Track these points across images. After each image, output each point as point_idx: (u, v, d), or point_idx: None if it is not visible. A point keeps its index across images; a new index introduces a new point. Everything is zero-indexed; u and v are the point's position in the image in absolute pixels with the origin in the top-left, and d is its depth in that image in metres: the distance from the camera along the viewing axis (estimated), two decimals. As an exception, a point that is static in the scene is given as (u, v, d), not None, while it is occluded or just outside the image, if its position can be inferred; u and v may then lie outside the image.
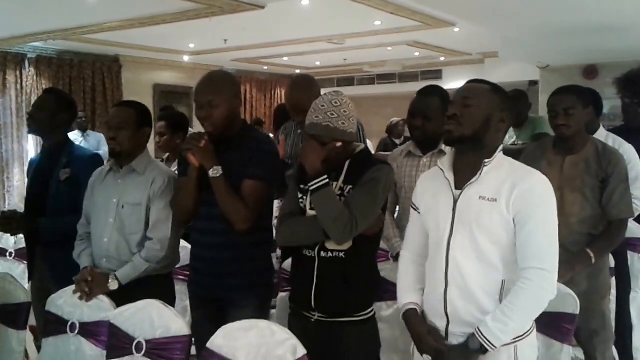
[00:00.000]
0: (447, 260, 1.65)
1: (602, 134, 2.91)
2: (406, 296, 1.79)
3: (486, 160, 1.63)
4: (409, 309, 1.77)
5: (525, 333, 1.64)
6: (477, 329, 1.59)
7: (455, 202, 1.66)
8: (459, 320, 1.65)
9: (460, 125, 1.64)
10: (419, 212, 1.81)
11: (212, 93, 2.10)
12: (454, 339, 1.67)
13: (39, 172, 2.70)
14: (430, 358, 1.68)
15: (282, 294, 2.46)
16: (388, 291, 2.48)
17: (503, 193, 1.59)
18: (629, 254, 3.03)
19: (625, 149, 2.72)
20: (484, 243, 1.61)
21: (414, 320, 1.74)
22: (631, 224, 2.84)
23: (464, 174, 1.67)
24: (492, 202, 1.60)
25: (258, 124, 8.25)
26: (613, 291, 2.54)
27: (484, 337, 1.57)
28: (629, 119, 3.36)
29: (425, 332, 1.70)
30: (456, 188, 1.67)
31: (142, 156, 2.37)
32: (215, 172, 2.06)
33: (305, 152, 1.89)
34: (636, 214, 2.73)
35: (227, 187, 2.06)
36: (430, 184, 1.78)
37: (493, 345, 1.56)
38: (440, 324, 1.69)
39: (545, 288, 1.58)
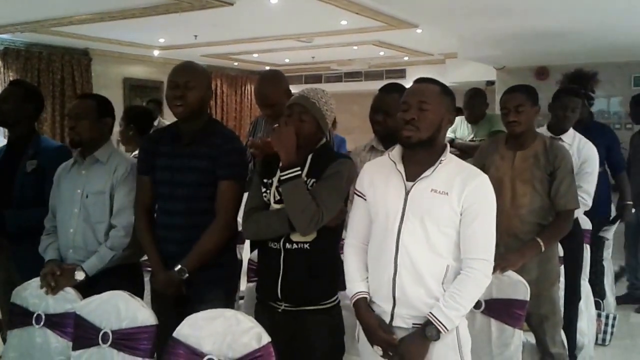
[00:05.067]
0: (397, 246, 1.73)
1: (570, 134, 3.08)
2: (356, 285, 1.85)
3: (442, 158, 1.74)
4: (359, 298, 1.83)
5: None
6: (432, 316, 1.68)
7: (407, 193, 1.75)
8: (407, 303, 1.74)
9: (418, 130, 1.71)
10: (365, 199, 1.86)
11: (190, 75, 2.13)
12: (400, 321, 1.76)
13: (4, 164, 2.67)
14: (381, 349, 1.76)
15: (249, 285, 2.49)
16: (352, 281, 2.56)
17: (454, 188, 1.70)
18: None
19: (589, 147, 2.93)
20: (434, 232, 1.71)
21: (364, 311, 1.81)
22: (579, 215, 3.00)
23: (414, 168, 1.76)
24: (443, 195, 1.71)
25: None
26: (561, 278, 2.67)
27: (440, 322, 1.68)
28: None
29: (376, 325, 1.77)
30: (407, 180, 1.76)
31: (105, 146, 2.38)
32: (182, 272, 2.09)
33: (282, 138, 1.91)
34: (585, 209, 2.89)
35: (201, 247, 2.09)
36: (378, 173, 1.84)
37: (447, 328, 1.68)
38: (387, 307, 1.78)
39: (487, 275, 1.74)
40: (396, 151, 1.82)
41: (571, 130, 3.11)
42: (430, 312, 1.69)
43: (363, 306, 1.82)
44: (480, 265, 1.71)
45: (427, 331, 1.69)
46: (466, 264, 1.72)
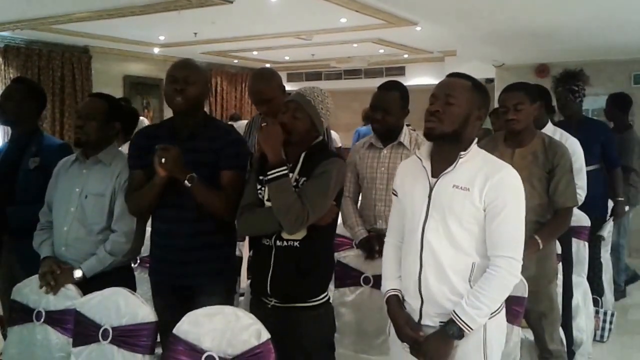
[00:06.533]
0: (422, 243, 1.73)
1: (549, 129, 3.04)
2: (389, 282, 1.87)
3: (462, 153, 1.72)
4: (390, 295, 1.85)
5: (493, 313, 1.73)
6: (454, 314, 1.67)
7: (431, 189, 1.74)
8: (432, 300, 1.73)
9: (442, 122, 1.70)
10: (398, 197, 1.88)
11: (190, 71, 2.15)
12: (428, 319, 1.76)
13: (6, 161, 2.67)
14: (408, 346, 1.77)
15: (249, 281, 2.52)
16: (351, 277, 2.58)
17: (476, 184, 1.68)
18: (575, 241, 3.20)
19: (571, 142, 2.87)
20: (456, 229, 1.70)
21: (394, 308, 1.83)
22: (577, 212, 3.01)
23: (440, 164, 1.75)
24: (465, 191, 1.68)
25: (233, 119, 8.32)
26: (559, 275, 2.68)
27: (462, 320, 1.66)
28: (561, 106, 3.66)
29: (403, 323, 1.78)
30: (432, 176, 1.76)
31: (109, 148, 2.35)
32: (190, 180, 2.04)
33: (268, 137, 1.92)
34: (579, 203, 2.90)
35: (205, 188, 2.08)
36: (409, 171, 1.85)
37: (470, 327, 1.66)
38: (415, 304, 1.78)
39: (514, 274, 1.70)
40: (424, 148, 1.82)
41: (550, 125, 3.11)
42: (454, 310, 1.68)
43: (393, 303, 1.84)
44: (505, 263, 1.67)
45: (448, 329, 1.68)
46: (491, 262, 1.69)
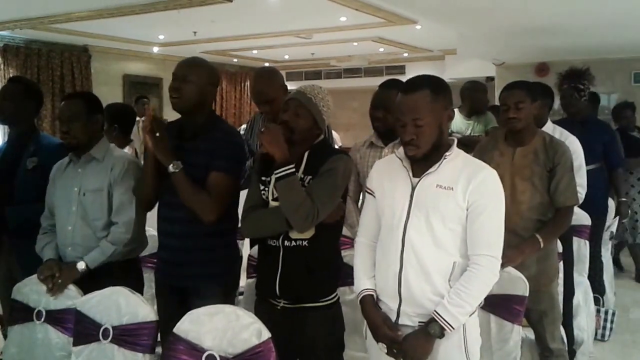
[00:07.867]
0: (403, 242, 1.73)
1: (549, 127, 3.04)
2: (363, 282, 1.85)
3: (447, 153, 1.73)
4: (365, 295, 1.83)
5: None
6: (436, 314, 1.67)
7: (413, 189, 1.75)
8: (412, 300, 1.73)
9: (419, 147, 1.71)
10: (374, 197, 1.87)
11: (190, 69, 2.14)
12: (406, 319, 1.75)
13: (5, 161, 2.67)
14: (385, 346, 1.75)
15: (249, 280, 2.50)
16: (351, 276, 2.56)
17: (459, 183, 1.69)
18: (576, 240, 3.20)
19: (571, 140, 2.86)
20: (439, 228, 1.70)
21: (370, 308, 1.81)
22: (578, 211, 3.01)
23: (421, 164, 1.75)
24: (448, 191, 1.69)
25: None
26: (560, 274, 2.68)
27: (444, 320, 1.65)
28: (565, 104, 3.65)
29: (381, 322, 1.77)
30: (414, 176, 1.76)
31: (100, 143, 2.36)
32: (174, 167, 2.04)
33: (272, 137, 1.90)
34: (580, 202, 2.89)
35: (188, 181, 2.05)
36: (387, 170, 1.85)
37: (452, 326, 1.66)
38: (393, 304, 1.77)
39: (494, 272, 1.71)
40: (402, 148, 1.81)
41: (549, 124, 3.10)
42: (435, 310, 1.68)
43: (369, 303, 1.82)
44: (486, 261, 1.68)
45: (430, 328, 1.68)
46: (472, 260, 1.70)
